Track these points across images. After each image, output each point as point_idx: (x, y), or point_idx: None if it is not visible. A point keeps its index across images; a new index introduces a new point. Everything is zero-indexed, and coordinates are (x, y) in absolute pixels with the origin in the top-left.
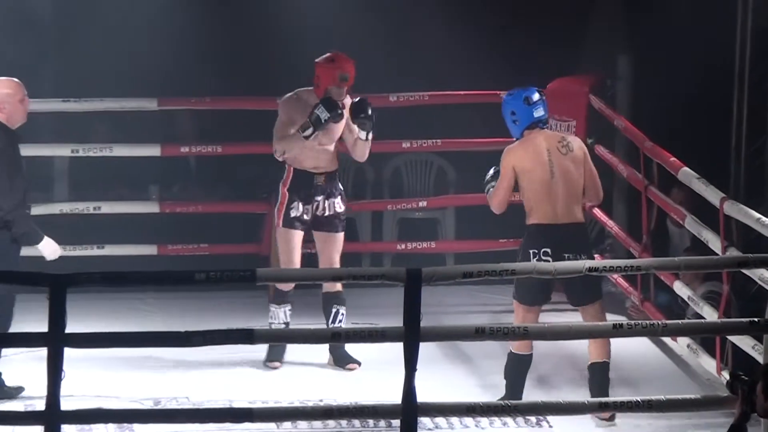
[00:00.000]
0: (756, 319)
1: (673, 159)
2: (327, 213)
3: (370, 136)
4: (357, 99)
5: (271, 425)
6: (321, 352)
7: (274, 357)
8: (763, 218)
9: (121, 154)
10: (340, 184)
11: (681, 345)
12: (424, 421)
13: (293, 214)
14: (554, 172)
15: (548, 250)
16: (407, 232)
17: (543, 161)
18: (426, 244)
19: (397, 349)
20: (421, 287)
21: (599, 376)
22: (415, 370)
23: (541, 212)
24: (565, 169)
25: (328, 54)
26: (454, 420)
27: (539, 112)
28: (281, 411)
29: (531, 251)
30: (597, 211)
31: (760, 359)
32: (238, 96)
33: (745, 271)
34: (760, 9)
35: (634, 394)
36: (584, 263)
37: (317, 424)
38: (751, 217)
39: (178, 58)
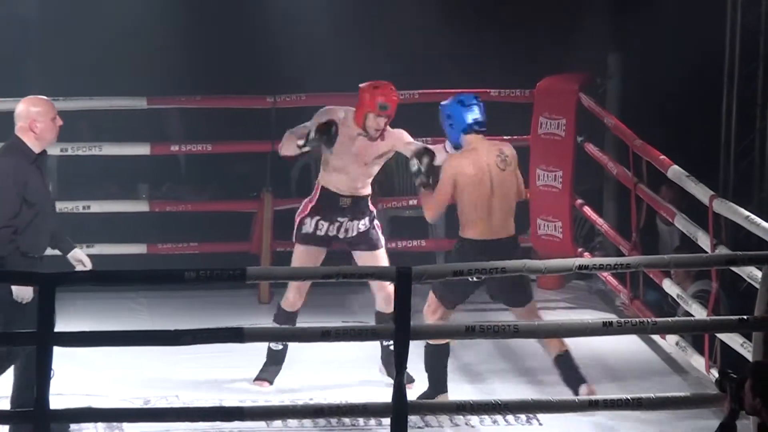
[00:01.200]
0: (745, 317)
1: (662, 157)
2: (350, 234)
3: (426, 189)
4: (420, 148)
5: (262, 424)
6: (311, 350)
7: (266, 376)
8: (752, 216)
9: (111, 152)
10: (372, 208)
11: (670, 343)
12: (414, 420)
13: (304, 230)
14: (494, 189)
15: None
16: (398, 230)
17: (484, 177)
18: (416, 243)
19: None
20: (411, 286)
21: (568, 365)
22: (405, 368)
23: (478, 228)
24: (504, 184)
25: (374, 81)
26: (444, 418)
27: (475, 115)
28: (271, 409)
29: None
30: (587, 209)
31: (749, 357)
32: (228, 94)
33: (734, 269)
34: (748, 7)
35: (624, 392)
36: (574, 261)
37: (307, 422)
38: (740, 214)
39: (168, 56)
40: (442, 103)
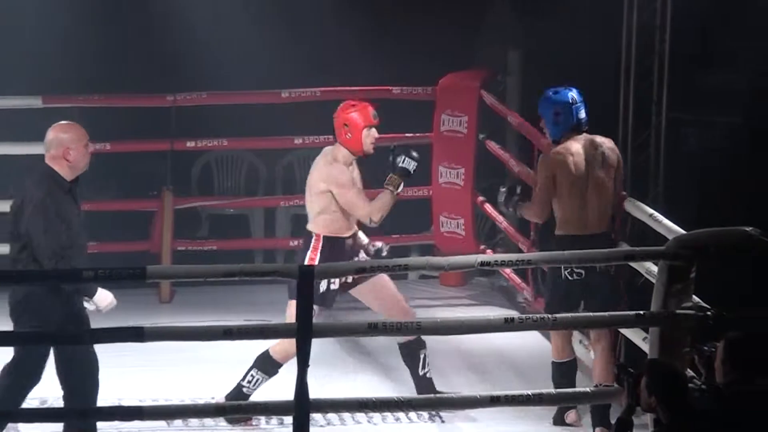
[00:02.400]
0: (642, 312)
1: None
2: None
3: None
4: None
5: (162, 423)
6: (212, 349)
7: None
8: (656, 213)
9: (5, 152)
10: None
11: (573, 339)
12: (317, 418)
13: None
14: (589, 183)
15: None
16: (300, 228)
17: (581, 171)
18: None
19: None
20: (314, 283)
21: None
22: (307, 366)
23: (573, 223)
24: (600, 180)
25: (341, 105)
26: (347, 416)
27: (582, 114)
28: (172, 408)
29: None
30: (488, 207)
31: (649, 351)
32: (126, 93)
33: (632, 264)
34: (644, 5)
35: (526, 388)
36: (476, 258)
37: (209, 421)
38: (644, 212)
39: (64, 55)
40: (550, 94)
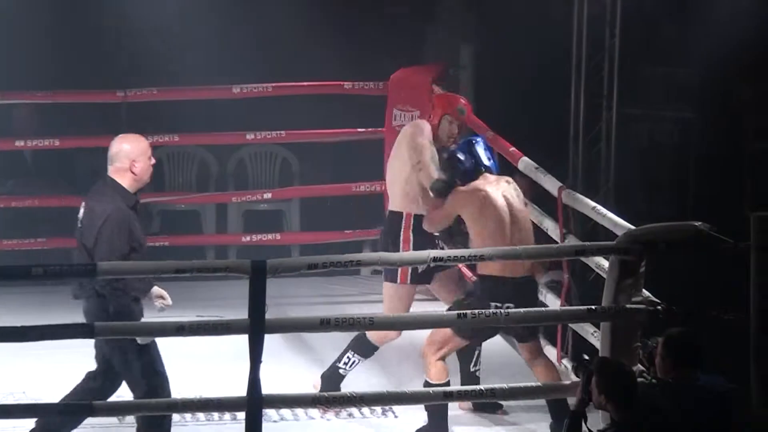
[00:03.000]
0: (593, 307)
1: (513, 149)
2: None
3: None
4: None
5: (113, 420)
6: (163, 345)
7: None
8: (599, 206)
9: None
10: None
11: None
12: (270, 413)
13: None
14: (511, 221)
15: (511, 305)
16: (252, 224)
17: (502, 209)
18: (271, 236)
19: (242, 341)
20: (266, 279)
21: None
22: (260, 362)
23: (497, 264)
24: (522, 220)
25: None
26: (300, 411)
27: (489, 158)
28: (123, 405)
29: (494, 304)
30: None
31: (600, 346)
32: (76, 90)
33: (583, 259)
34: (594, 0)
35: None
36: (429, 253)
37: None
38: (586, 205)
39: (14, 51)
40: (462, 144)
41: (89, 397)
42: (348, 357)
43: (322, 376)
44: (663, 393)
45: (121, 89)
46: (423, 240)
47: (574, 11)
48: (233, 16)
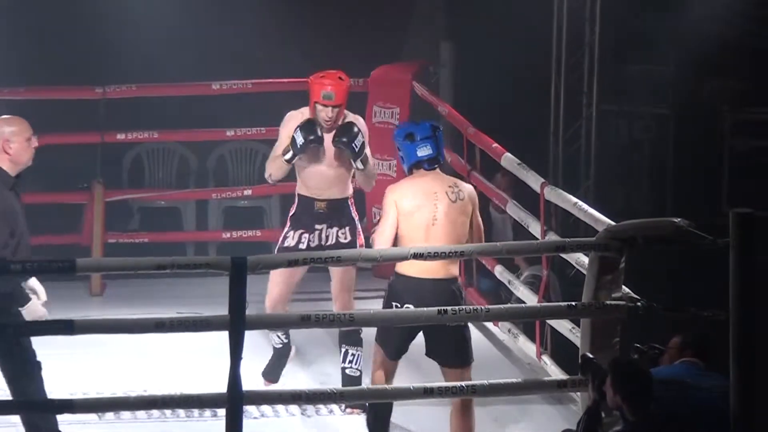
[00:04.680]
0: (573, 303)
1: (495, 145)
2: (328, 243)
3: (366, 165)
4: (343, 123)
5: (93, 416)
6: (144, 342)
7: (271, 377)
8: (580, 202)
9: None
10: (353, 214)
11: (503, 330)
12: (250, 410)
13: (287, 243)
14: (437, 219)
15: (410, 306)
16: (232, 220)
17: (429, 207)
18: (251, 233)
19: (223, 338)
20: (246, 276)
21: None
22: (240, 358)
23: (412, 264)
24: (452, 218)
25: (322, 71)
26: (280, 408)
27: (424, 151)
28: (103, 402)
29: (394, 304)
30: None
31: (578, 342)
32: (53, 85)
33: (563, 256)
34: None
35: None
36: (409, 249)
37: (141, 414)
38: (568, 201)
39: None
40: (395, 129)
41: None
42: (351, 354)
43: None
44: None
45: (100, 86)
46: (297, 221)
47: (553, 9)
48: (212, 14)
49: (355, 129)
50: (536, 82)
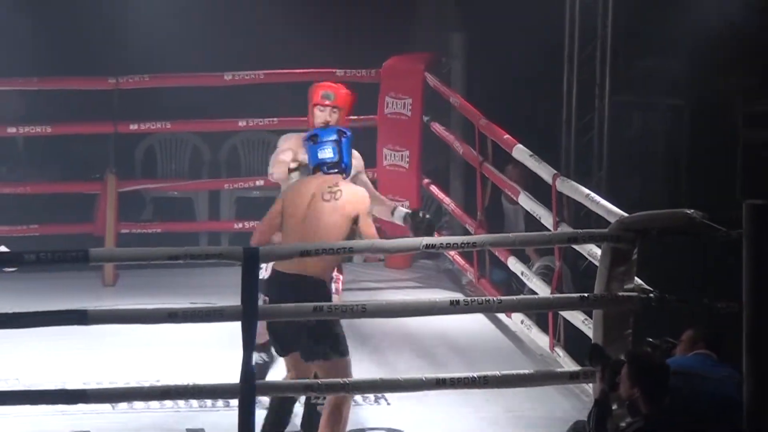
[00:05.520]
0: (586, 295)
1: (507, 136)
2: None
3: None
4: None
5: (107, 407)
6: (156, 332)
7: None
8: (592, 194)
9: None
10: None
11: (515, 321)
12: (263, 400)
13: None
14: (307, 216)
15: (266, 299)
16: (245, 210)
17: (303, 204)
18: None
19: (236, 328)
20: (258, 266)
21: None
22: (253, 349)
23: (286, 261)
24: (319, 216)
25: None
26: None
27: (325, 154)
28: (117, 392)
29: (262, 297)
30: (434, 188)
31: (590, 334)
32: (67, 75)
33: (575, 247)
34: None
35: (470, 370)
36: (421, 240)
37: (154, 404)
38: (581, 193)
39: (5, 37)
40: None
41: None
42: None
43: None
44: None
45: (113, 76)
46: None
47: (566, 0)
48: (223, 5)
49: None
50: (548, 73)
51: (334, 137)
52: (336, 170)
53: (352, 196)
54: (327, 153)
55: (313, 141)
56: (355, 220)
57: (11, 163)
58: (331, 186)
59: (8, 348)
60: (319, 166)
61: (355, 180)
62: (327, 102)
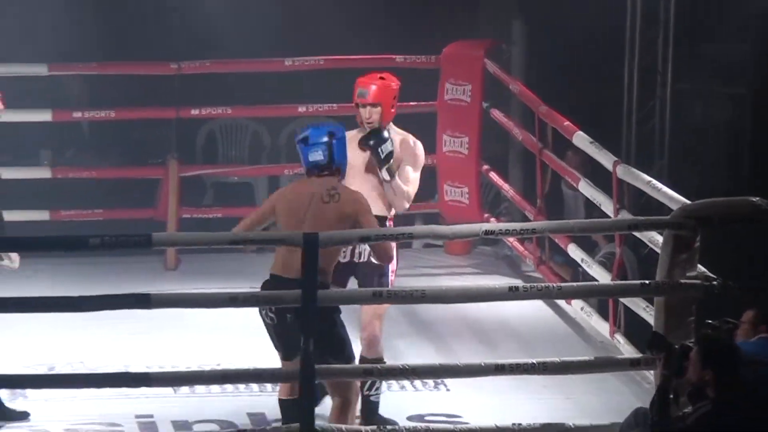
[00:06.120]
0: (647, 282)
1: (567, 123)
2: (360, 260)
3: (394, 178)
4: (375, 127)
5: (169, 390)
6: (218, 316)
7: None
8: (654, 181)
9: (12, 119)
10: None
11: (575, 308)
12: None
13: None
14: (308, 217)
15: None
16: (222, 197)
17: (302, 206)
18: (242, 209)
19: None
20: (318, 251)
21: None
22: (313, 334)
23: (278, 261)
24: (321, 216)
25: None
26: None
27: (315, 157)
28: (178, 375)
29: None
30: (493, 175)
31: (652, 321)
32: (130, 60)
33: (636, 234)
34: None
35: (531, 357)
36: (481, 226)
37: (215, 388)
38: (642, 180)
39: (71, 23)
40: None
41: None
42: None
43: (361, 412)
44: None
45: (175, 61)
46: None
47: None
48: None
49: (386, 134)
50: (609, 60)
51: (324, 139)
52: (327, 172)
53: (350, 196)
54: (317, 156)
55: (304, 143)
56: (356, 220)
57: (76, 147)
58: (329, 189)
59: (73, 332)
60: (310, 169)
61: (401, 170)
62: (362, 100)
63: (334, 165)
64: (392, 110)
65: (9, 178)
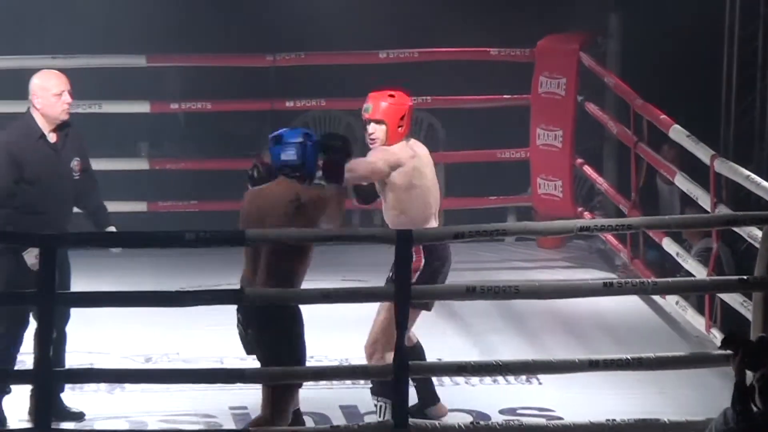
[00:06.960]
0: (745, 277)
1: (663, 116)
2: None
3: (329, 186)
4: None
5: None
6: (312, 311)
7: None
8: (753, 175)
9: (110, 110)
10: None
11: (670, 302)
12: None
13: None
14: (270, 225)
15: (240, 317)
16: None
17: (253, 221)
18: None
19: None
20: (411, 248)
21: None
22: (406, 329)
23: (244, 276)
24: (286, 224)
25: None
26: (445, 379)
27: (287, 156)
28: (273, 372)
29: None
30: (587, 168)
31: (749, 316)
32: (228, 53)
33: (735, 229)
34: None
35: (625, 352)
36: (576, 223)
37: (309, 384)
38: (741, 174)
39: (169, 15)
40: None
41: None
42: (376, 405)
43: None
44: None
45: (270, 54)
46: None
47: None
48: None
49: (339, 143)
50: (707, 54)
51: (299, 139)
52: (298, 174)
53: (310, 199)
54: (289, 155)
55: (277, 142)
56: (324, 217)
57: (173, 139)
58: (293, 200)
59: (169, 323)
60: (281, 169)
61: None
62: (366, 115)
63: (306, 169)
64: (399, 130)
65: (108, 170)
